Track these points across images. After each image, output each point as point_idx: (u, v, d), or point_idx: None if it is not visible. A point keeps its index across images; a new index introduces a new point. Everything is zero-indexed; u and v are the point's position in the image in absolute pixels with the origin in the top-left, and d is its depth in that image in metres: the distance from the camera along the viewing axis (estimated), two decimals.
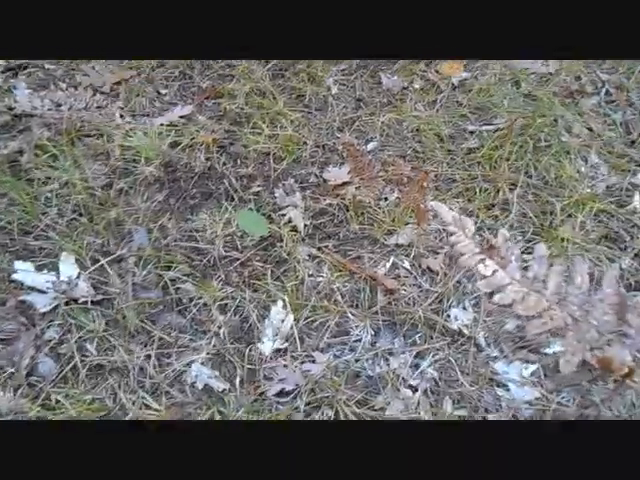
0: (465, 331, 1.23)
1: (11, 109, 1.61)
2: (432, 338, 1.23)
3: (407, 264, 1.35)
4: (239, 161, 1.55)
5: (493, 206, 1.46)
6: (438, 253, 1.37)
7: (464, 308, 1.28)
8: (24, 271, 1.27)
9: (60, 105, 1.64)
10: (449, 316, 1.26)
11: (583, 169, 1.56)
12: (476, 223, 1.44)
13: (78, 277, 1.27)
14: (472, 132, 1.67)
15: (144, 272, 1.29)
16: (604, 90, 1.80)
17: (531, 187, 1.51)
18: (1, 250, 1.31)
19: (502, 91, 1.76)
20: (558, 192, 1.49)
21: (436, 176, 1.53)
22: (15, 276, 1.26)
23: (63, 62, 1.79)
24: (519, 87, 1.78)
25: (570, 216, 1.44)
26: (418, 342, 1.23)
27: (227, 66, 1.82)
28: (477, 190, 1.50)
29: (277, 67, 1.83)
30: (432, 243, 1.39)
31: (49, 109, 1.62)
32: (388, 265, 1.34)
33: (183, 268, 1.30)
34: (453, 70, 1.88)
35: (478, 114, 1.72)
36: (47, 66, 1.79)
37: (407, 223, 1.41)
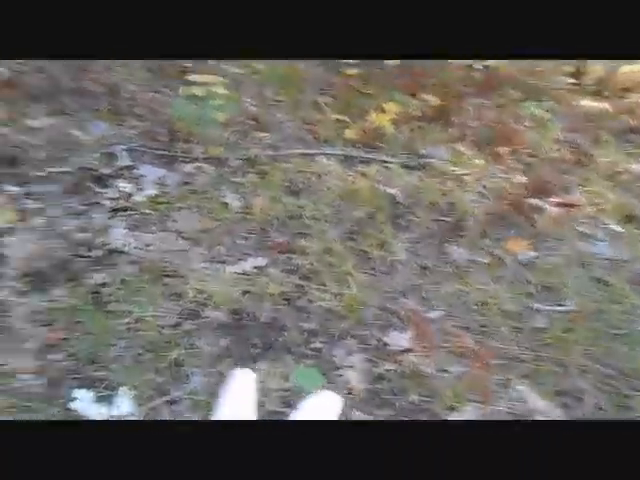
0: None
1: (105, 245, 1.78)
2: None
3: None
4: (304, 315, 1.58)
5: (565, 393, 1.37)
6: None
7: None
8: (82, 400, 1.29)
9: (149, 245, 1.80)
10: None
11: None
12: None
13: (132, 414, 1.26)
14: (539, 311, 1.64)
15: (195, 417, 1.28)
16: None
17: (605, 377, 1.42)
18: (67, 376, 1.36)
19: (571, 273, 1.76)
20: (636, 385, 1.39)
21: (504, 353, 1.48)
22: (72, 404, 1.28)
23: (159, 208, 2.00)
24: (590, 271, 1.77)
25: None
26: None
27: (302, 225, 1.96)
28: (546, 374, 1.42)
29: (349, 230, 1.95)
30: None
31: (139, 248, 1.78)
32: None
33: None
34: (520, 247, 1.92)
35: (546, 294, 1.70)
36: (144, 210, 2.00)
37: (470, 400, 1.34)
